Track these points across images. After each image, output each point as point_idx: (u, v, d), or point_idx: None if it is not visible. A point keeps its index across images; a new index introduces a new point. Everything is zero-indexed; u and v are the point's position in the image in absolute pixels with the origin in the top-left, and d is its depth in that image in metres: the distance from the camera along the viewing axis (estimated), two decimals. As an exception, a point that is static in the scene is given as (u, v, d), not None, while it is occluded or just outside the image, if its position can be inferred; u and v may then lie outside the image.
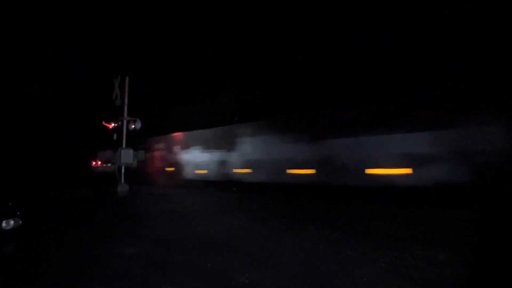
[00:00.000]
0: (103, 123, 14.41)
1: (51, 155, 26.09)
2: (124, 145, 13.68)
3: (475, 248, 5.04)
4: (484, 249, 5.06)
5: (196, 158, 19.32)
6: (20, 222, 4.72)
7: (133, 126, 13.67)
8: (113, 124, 13.95)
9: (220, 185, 16.49)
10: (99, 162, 24.46)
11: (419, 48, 10.96)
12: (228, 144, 17.11)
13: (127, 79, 13.87)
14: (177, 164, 20.59)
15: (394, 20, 11.81)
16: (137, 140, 15.86)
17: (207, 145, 18.69)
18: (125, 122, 13.72)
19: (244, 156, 16.23)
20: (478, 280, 4.02)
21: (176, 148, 20.92)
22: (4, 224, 4.53)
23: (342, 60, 13.51)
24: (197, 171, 19.27)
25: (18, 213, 4.82)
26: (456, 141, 9.34)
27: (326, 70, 13.77)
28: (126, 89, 13.81)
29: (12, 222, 4.60)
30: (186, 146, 20.22)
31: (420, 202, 8.76)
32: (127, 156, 13.44)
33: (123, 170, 13.36)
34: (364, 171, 11.34)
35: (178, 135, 21.38)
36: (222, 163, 17.41)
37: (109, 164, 21.28)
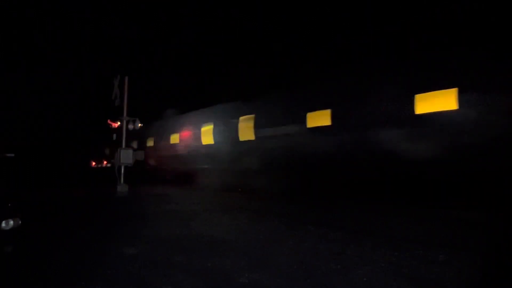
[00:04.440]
0: (109, 121, 14.36)
1: (51, 154, 26.08)
2: (123, 145, 13.66)
3: (475, 248, 5.03)
4: (484, 249, 5.06)
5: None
6: (20, 222, 4.71)
7: (131, 126, 13.65)
8: (118, 123, 13.91)
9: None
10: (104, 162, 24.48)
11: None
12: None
13: (126, 79, 13.83)
14: None
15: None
16: None
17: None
18: (124, 122, 13.69)
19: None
20: (478, 280, 4.03)
21: None
22: (4, 224, 4.52)
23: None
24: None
25: (18, 213, 4.82)
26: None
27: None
28: (126, 89, 13.77)
29: (12, 222, 4.59)
30: None
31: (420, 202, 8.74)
32: (126, 156, 13.41)
33: (122, 170, 13.33)
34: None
35: None
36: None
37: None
